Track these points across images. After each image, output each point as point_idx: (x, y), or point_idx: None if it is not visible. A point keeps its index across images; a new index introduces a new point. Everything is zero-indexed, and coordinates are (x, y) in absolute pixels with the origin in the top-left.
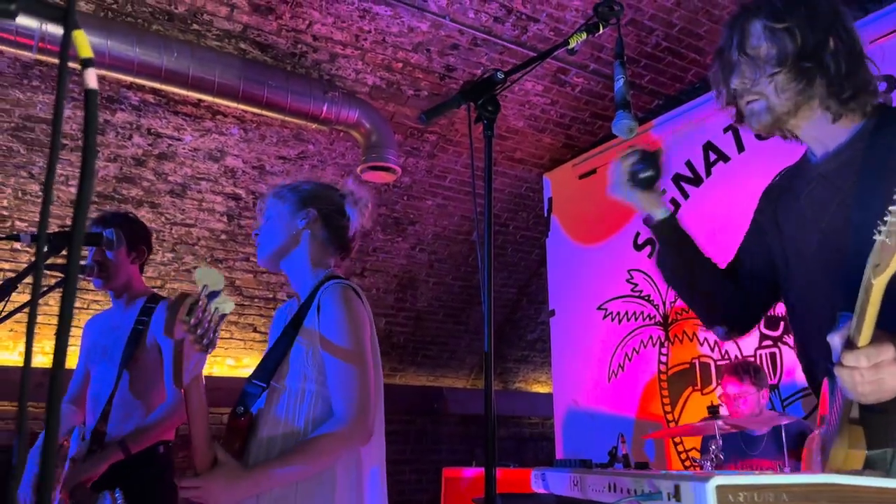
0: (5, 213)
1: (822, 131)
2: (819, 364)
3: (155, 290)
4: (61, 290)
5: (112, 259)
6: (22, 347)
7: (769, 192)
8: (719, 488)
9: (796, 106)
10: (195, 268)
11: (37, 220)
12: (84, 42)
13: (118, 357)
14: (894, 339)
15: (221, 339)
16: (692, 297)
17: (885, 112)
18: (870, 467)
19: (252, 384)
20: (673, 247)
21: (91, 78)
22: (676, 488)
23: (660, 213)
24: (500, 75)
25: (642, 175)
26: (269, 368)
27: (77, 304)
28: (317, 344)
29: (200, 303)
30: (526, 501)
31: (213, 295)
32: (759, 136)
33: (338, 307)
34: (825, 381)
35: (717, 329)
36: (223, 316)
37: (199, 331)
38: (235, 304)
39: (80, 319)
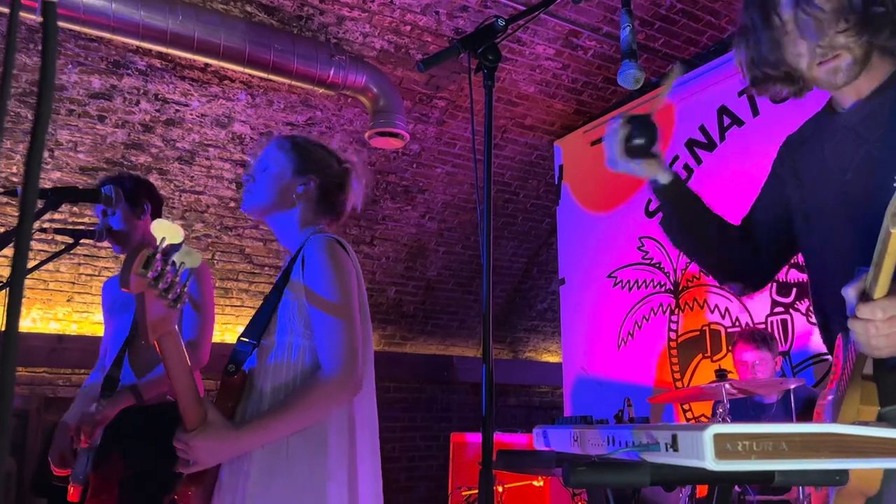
0: (16, 179)
1: (866, 78)
2: (835, 319)
3: None
4: (71, 253)
5: (117, 220)
6: (35, 313)
7: (790, 143)
8: (717, 436)
9: (868, 55)
10: (206, 235)
11: (46, 185)
12: None
13: (134, 307)
14: None
15: (233, 307)
16: (703, 256)
17: None
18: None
19: (242, 342)
20: (680, 209)
21: None
22: (674, 438)
23: (664, 177)
24: (501, 22)
25: (636, 142)
26: (258, 325)
27: (88, 272)
28: (302, 297)
29: (158, 255)
30: (525, 458)
31: (174, 248)
32: (776, 101)
33: (321, 259)
34: (839, 337)
35: (732, 286)
36: (190, 270)
37: (160, 285)
38: (245, 273)
39: (93, 287)
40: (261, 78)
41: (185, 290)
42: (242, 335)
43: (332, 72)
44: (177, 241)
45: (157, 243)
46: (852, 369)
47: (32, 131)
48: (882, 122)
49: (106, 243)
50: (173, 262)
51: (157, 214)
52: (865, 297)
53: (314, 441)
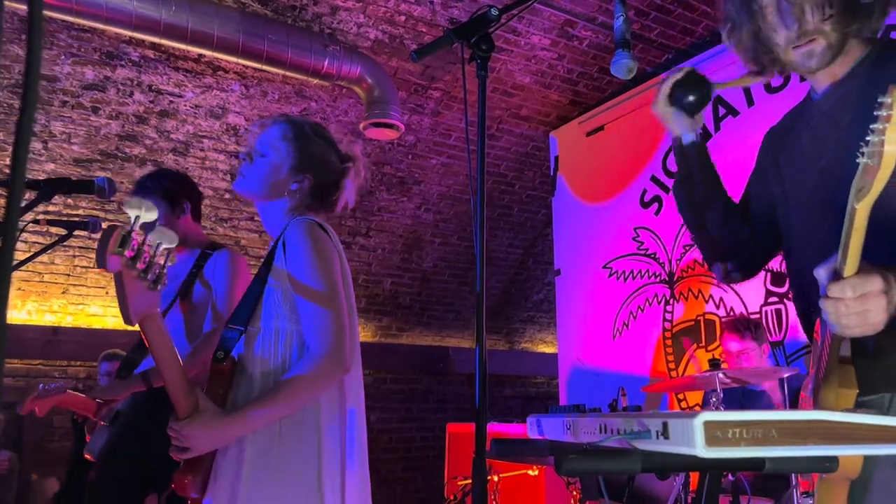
0: (8, 171)
1: (841, 62)
2: (815, 306)
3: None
4: (66, 245)
5: (158, 220)
6: (30, 306)
7: (771, 135)
8: (707, 424)
9: (844, 40)
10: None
11: (40, 177)
12: None
13: (170, 298)
14: (882, 271)
15: None
16: (703, 227)
17: (887, 45)
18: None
19: (230, 328)
20: (696, 172)
21: None
22: (665, 425)
23: (689, 136)
24: (495, 12)
25: (685, 99)
26: (244, 311)
27: (83, 264)
28: (286, 282)
29: (134, 234)
30: (519, 446)
31: (149, 227)
32: (771, 90)
33: (302, 241)
34: (818, 322)
35: (722, 266)
36: (168, 250)
37: (139, 264)
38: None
39: (88, 279)
40: (255, 68)
41: (165, 270)
42: (229, 322)
43: (326, 62)
44: (150, 219)
45: (131, 221)
46: (829, 353)
47: (19, 120)
48: (852, 106)
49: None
50: (150, 242)
51: (196, 211)
52: (836, 276)
53: (305, 425)
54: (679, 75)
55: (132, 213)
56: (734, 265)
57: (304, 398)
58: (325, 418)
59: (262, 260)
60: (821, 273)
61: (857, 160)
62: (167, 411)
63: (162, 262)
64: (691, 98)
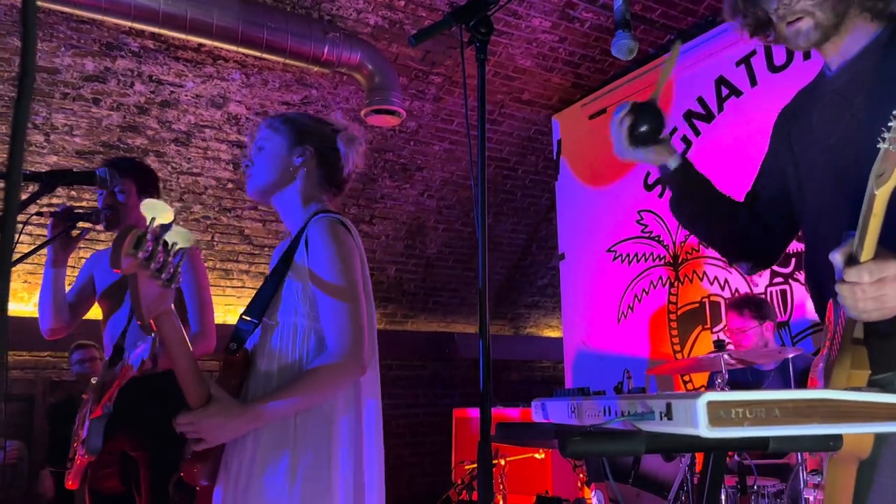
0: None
1: (852, 39)
2: (827, 287)
3: None
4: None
5: (123, 203)
6: (37, 298)
7: (784, 114)
8: (710, 404)
9: (839, 17)
10: (204, 217)
11: (43, 170)
12: None
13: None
14: None
15: (233, 288)
16: (712, 237)
17: None
18: None
19: (244, 320)
20: (689, 192)
21: None
22: (668, 406)
23: (673, 162)
24: None
25: (641, 130)
26: (260, 304)
27: (88, 256)
28: (307, 279)
29: (149, 235)
30: (524, 430)
31: (165, 228)
32: (774, 69)
33: (325, 240)
34: (830, 303)
35: (742, 265)
36: (183, 249)
37: (153, 265)
38: (245, 254)
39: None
40: (255, 57)
41: (179, 269)
42: (244, 314)
43: (326, 49)
44: (167, 220)
45: (147, 223)
46: (842, 334)
47: (14, 111)
48: (866, 85)
49: (101, 226)
50: (164, 242)
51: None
52: (852, 260)
53: (320, 420)
54: (622, 114)
55: (148, 215)
56: (753, 259)
57: (322, 394)
58: (340, 411)
59: (281, 254)
60: (837, 257)
61: (878, 146)
62: (155, 404)
63: (176, 261)
64: (647, 126)
